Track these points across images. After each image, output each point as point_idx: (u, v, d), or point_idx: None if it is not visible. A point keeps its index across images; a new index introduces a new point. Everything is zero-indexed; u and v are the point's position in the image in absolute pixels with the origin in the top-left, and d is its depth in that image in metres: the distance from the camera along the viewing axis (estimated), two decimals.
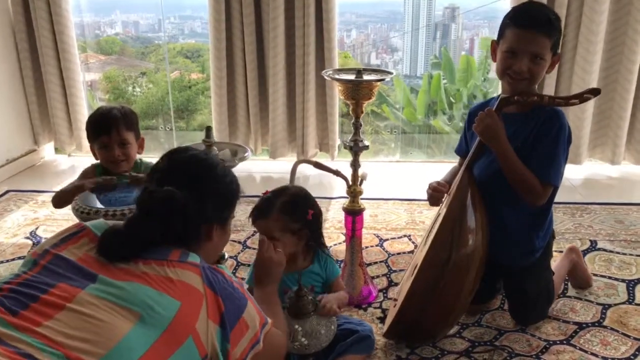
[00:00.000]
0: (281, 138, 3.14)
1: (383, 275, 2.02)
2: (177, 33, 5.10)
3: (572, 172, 3.03)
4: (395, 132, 4.87)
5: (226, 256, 1.55)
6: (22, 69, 3.16)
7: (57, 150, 3.50)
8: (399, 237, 2.31)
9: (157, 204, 1.02)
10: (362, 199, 1.79)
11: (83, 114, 3.24)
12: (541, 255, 1.61)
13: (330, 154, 3.16)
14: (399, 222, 2.46)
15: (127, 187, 1.70)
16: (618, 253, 2.14)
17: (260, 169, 3.20)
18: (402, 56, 5.82)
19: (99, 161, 1.86)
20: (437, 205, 1.61)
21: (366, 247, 2.16)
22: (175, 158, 1.13)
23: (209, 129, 1.37)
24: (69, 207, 1.75)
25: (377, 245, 2.24)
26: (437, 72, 5.31)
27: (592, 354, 1.56)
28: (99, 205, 1.58)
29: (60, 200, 1.83)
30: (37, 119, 3.26)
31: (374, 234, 2.32)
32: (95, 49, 4.36)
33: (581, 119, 2.95)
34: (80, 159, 3.38)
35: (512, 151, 1.45)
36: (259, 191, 2.78)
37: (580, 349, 1.58)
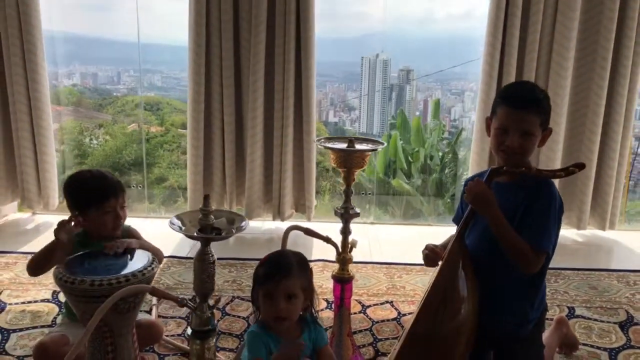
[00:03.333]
0: (257, 198, 3.12)
1: (369, 344, 1.99)
2: (136, 86, 5.10)
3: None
4: (362, 193, 4.93)
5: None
6: None
7: (20, 209, 3.37)
8: (381, 304, 2.29)
9: None
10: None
11: (53, 172, 3.15)
12: (534, 327, 1.62)
13: (307, 215, 3.15)
14: (380, 287, 2.45)
15: (109, 256, 1.64)
16: (596, 320, 2.18)
17: None
18: (359, 115, 5.99)
19: (80, 229, 1.78)
20: (432, 266, 1.61)
21: (350, 314, 2.13)
22: None
23: (206, 197, 1.35)
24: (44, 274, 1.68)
25: (360, 312, 2.21)
26: (395, 133, 5.49)
27: None
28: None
29: (36, 265, 1.75)
30: (2, 177, 3.13)
31: (356, 300, 2.29)
32: (52, 100, 4.34)
33: None
34: (45, 217, 3.26)
35: (503, 218, 1.48)
36: (232, 254, 2.74)
37: None
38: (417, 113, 5.68)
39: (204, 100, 3.03)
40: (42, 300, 2.22)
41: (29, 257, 2.60)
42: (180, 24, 3.03)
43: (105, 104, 5.00)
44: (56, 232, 1.69)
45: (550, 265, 2.71)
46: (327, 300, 2.26)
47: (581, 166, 1.48)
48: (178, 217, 1.38)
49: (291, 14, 2.87)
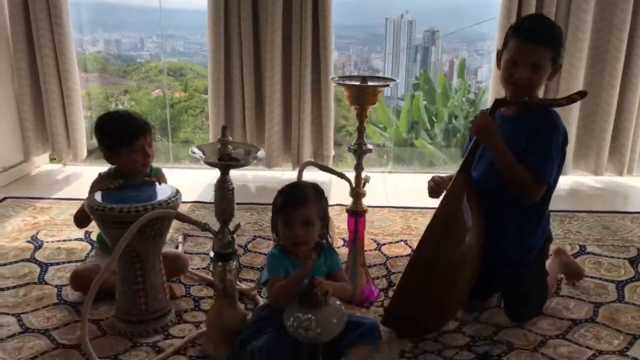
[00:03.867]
0: (277, 148, 3.20)
1: (383, 276, 2.08)
2: (159, 52, 5.14)
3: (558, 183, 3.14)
4: (383, 146, 4.97)
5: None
6: (19, 79, 3.17)
7: (51, 161, 3.51)
8: (395, 242, 2.37)
9: None
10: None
11: (81, 124, 3.28)
12: (537, 255, 1.69)
13: (326, 164, 3.23)
14: (395, 228, 2.53)
15: (138, 187, 1.76)
16: (607, 256, 2.23)
17: (254, 179, 3.26)
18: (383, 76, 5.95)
19: (113, 167, 1.89)
20: (436, 197, 1.68)
21: (365, 251, 2.22)
22: None
23: (224, 129, 1.43)
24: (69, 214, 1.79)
25: (375, 249, 2.30)
26: (418, 93, 5.47)
27: (587, 347, 1.64)
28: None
29: (80, 222, 1.88)
30: (31, 129, 3.24)
31: (372, 239, 2.38)
32: (78, 66, 4.43)
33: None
34: (75, 169, 3.40)
35: (506, 149, 1.54)
36: (253, 200, 2.85)
37: (576, 343, 1.66)
38: (443, 74, 5.63)
39: (224, 59, 3.10)
40: (76, 239, 2.36)
41: (62, 202, 2.79)
42: None
43: (129, 71, 5.05)
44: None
45: (564, 208, 2.79)
46: (343, 239, 2.35)
47: (583, 94, 1.51)
48: (199, 147, 1.47)
49: None
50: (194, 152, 1.44)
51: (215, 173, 1.48)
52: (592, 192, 3.13)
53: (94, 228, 2.33)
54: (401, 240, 2.38)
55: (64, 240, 2.35)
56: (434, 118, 5.46)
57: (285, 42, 3.05)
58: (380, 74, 5.95)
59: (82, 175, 3.30)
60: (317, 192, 1.54)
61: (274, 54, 3.02)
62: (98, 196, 1.64)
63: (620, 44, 2.94)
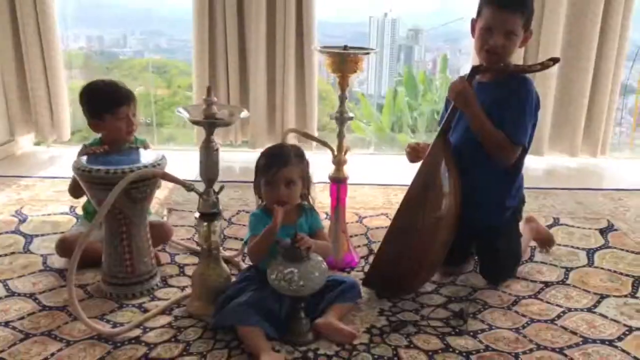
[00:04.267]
0: (261, 129, 3.25)
1: (364, 245, 2.14)
2: (142, 48, 5.13)
3: (534, 163, 3.25)
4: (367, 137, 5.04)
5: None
6: (3, 62, 3.18)
7: (37, 143, 3.52)
8: (377, 215, 2.44)
9: None
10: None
11: (64, 105, 3.28)
12: (511, 215, 1.76)
13: (309, 145, 3.28)
14: (376, 202, 2.60)
15: (123, 152, 1.79)
16: (579, 227, 2.32)
17: (239, 159, 3.30)
18: (367, 76, 6.02)
19: (99, 135, 1.92)
20: (415, 161, 1.74)
21: (347, 223, 2.27)
22: None
23: (209, 89, 1.47)
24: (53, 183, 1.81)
25: (356, 222, 2.36)
26: (401, 89, 5.54)
27: (557, 305, 1.71)
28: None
29: (74, 193, 1.88)
30: (16, 110, 3.26)
31: (354, 212, 2.44)
32: None
33: (542, 116, 3.15)
34: (60, 150, 3.41)
35: (482, 113, 1.60)
36: (238, 178, 2.88)
37: (547, 302, 1.73)
38: (423, 71, 5.70)
39: (208, 55, 3.15)
40: (61, 213, 2.38)
41: (46, 180, 2.81)
42: None
43: (111, 67, 5.00)
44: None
45: (540, 185, 2.88)
46: (326, 213, 2.40)
47: (556, 60, 1.59)
48: (184, 107, 1.51)
49: None
50: (179, 112, 1.48)
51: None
52: (568, 172, 3.23)
53: (78, 203, 2.37)
54: (382, 214, 2.45)
55: (49, 215, 2.37)
56: (415, 114, 5.55)
57: (270, 39, 3.12)
58: (364, 72, 6.02)
59: (65, 155, 3.31)
60: (298, 154, 1.59)
61: (257, 54, 3.10)
62: (84, 159, 1.67)
63: (594, 26, 3.03)
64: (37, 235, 2.16)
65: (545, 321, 1.62)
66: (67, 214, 2.38)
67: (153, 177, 1.57)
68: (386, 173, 3.06)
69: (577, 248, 2.12)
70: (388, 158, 3.49)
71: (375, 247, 2.11)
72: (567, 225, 2.34)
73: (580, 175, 3.16)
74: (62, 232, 2.17)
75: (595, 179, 3.11)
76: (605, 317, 1.65)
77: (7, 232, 2.18)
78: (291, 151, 1.58)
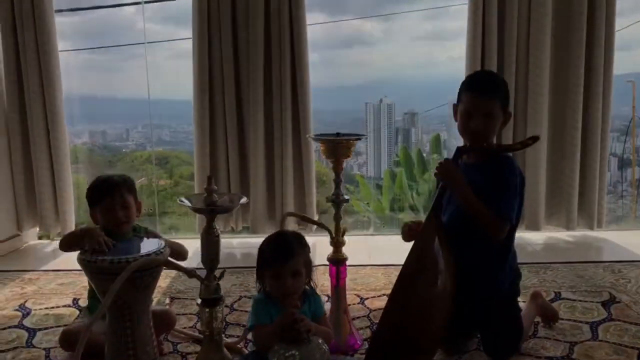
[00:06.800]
0: (261, 215, 3.31)
1: (366, 327, 2.14)
2: (144, 141, 5.29)
3: (532, 238, 3.30)
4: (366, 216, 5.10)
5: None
6: (12, 154, 3.31)
7: (40, 237, 3.58)
8: (378, 296, 2.44)
9: None
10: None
11: (70, 199, 3.38)
12: (508, 291, 1.78)
13: (308, 229, 3.33)
14: (378, 283, 2.61)
15: (127, 241, 1.84)
16: (580, 301, 2.32)
17: (240, 245, 3.35)
18: (366, 159, 6.19)
19: (98, 226, 1.98)
20: (410, 240, 1.79)
21: (348, 305, 2.28)
22: None
23: (209, 178, 1.55)
24: (57, 285, 1.85)
25: (358, 303, 2.36)
26: (399, 170, 5.68)
27: None
28: None
29: (67, 245, 1.91)
30: (23, 204, 3.36)
31: (355, 294, 2.45)
32: None
33: (536, 192, 3.24)
34: None
35: (470, 192, 1.67)
36: (239, 264, 2.91)
37: None
38: (419, 148, 5.85)
39: (209, 144, 3.29)
40: (64, 306, 2.40)
41: (50, 273, 2.84)
42: (187, 79, 3.31)
43: (114, 161, 5.18)
44: (88, 240, 1.84)
45: (539, 260, 2.91)
46: (327, 296, 2.41)
47: (535, 138, 1.68)
48: (187, 197, 1.58)
49: (286, 58, 3.17)
50: (182, 201, 1.55)
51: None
52: (566, 245, 3.26)
53: (82, 296, 2.39)
54: (384, 295, 2.45)
55: (52, 308, 2.38)
56: (414, 193, 5.64)
57: (267, 128, 3.27)
58: (363, 156, 6.20)
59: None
60: (300, 242, 1.63)
61: (256, 143, 3.24)
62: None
63: (577, 97, 3.18)
64: (40, 329, 2.16)
65: None
66: (70, 306, 2.39)
67: (156, 265, 1.61)
68: (387, 253, 3.09)
69: (580, 322, 2.11)
70: (388, 238, 3.53)
71: None
72: (568, 299, 2.34)
73: (579, 248, 3.19)
74: (65, 325, 2.18)
75: (593, 252, 3.13)
76: None
77: (10, 327, 2.19)
78: (294, 241, 1.61)
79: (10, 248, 3.30)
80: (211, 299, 1.59)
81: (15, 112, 3.27)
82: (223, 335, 1.80)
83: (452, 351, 1.87)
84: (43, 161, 3.30)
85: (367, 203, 5.45)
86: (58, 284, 2.68)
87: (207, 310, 1.59)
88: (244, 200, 1.58)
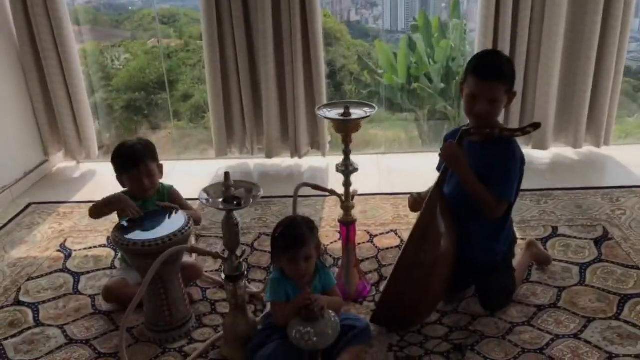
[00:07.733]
0: (275, 138, 3.42)
1: (375, 270, 2.35)
2: None
3: (538, 157, 3.39)
4: (378, 102, 5.08)
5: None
6: (28, 82, 3.37)
7: (65, 159, 3.75)
8: (386, 232, 2.63)
9: None
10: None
11: (90, 125, 3.51)
12: (502, 258, 1.96)
13: (322, 152, 3.45)
14: (386, 217, 2.79)
15: (156, 214, 2.01)
16: (575, 238, 2.49)
17: (256, 168, 3.51)
18: (382, 11, 5.89)
19: (126, 189, 2.14)
20: (417, 211, 1.94)
21: (358, 244, 2.48)
22: None
23: (227, 174, 1.66)
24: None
25: (367, 242, 2.57)
26: (416, 35, 5.47)
27: (547, 332, 1.92)
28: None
29: (97, 214, 2.12)
30: (46, 130, 3.49)
31: (365, 230, 2.64)
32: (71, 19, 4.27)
33: (545, 109, 3.26)
34: (90, 166, 3.65)
35: (472, 174, 1.78)
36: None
37: (538, 329, 1.94)
38: (442, 13, 5.56)
39: (219, 59, 3.26)
40: (100, 246, 2.64)
41: (82, 205, 3.05)
42: None
43: (121, 20, 5.01)
44: (121, 209, 2.05)
45: (544, 184, 3.04)
46: (334, 259, 2.55)
47: (537, 125, 1.73)
48: (205, 190, 1.71)
49: None
50: (201, 197, 1.68)
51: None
52: (571, 164, 3.36)
53: None
54: (391, 231, 2.64)
55: (90, 248, 2.63)
56: (431, 60, 5.50)
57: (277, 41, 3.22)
58: (380, 8, 5.83)
59: (96, 172, 3.57)
60: (310, 228, 1.77)
61: (267, 51, 3.20)
62: (124, 224, 1.91)
63: (594, 26, 3.08)
64: (82, 273, 2.42)
65: (535, 351, 1.83)
66: (105, 246, 2.64)
67: (183, 251, 1.79)
68: (396, 177, 3.24)
69: (571, 263, 2.30)
70: (399, 158, 3.64)
71: (385, 271, 2.33)
72: (565, 235, 2.51)
73: (584, 167, 3.30)
74: (104, 269, 2.44)
75: (597, 172, 3.24)
76: (589, 343, 1.85)
77: (56, 271, 2.45)
78: (304, 227, 1.74)
79: (41, 174, 3.50)
80: (234, 275, 1.78)
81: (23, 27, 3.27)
82: (246, 282, 2.02)
83: (452, 299, 2.09)
84: (58, 83, 3.37)
85: (382, 72, 5.35)
86: (92, 220, 2.90)
87: (231, 284, 1.79)
88: (260, 192, 1.70)
